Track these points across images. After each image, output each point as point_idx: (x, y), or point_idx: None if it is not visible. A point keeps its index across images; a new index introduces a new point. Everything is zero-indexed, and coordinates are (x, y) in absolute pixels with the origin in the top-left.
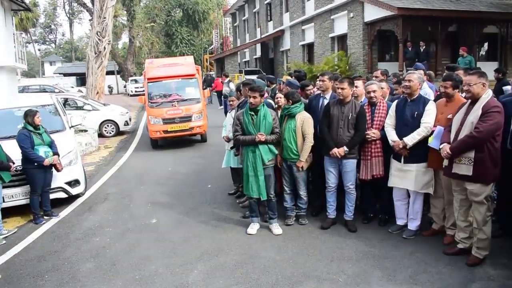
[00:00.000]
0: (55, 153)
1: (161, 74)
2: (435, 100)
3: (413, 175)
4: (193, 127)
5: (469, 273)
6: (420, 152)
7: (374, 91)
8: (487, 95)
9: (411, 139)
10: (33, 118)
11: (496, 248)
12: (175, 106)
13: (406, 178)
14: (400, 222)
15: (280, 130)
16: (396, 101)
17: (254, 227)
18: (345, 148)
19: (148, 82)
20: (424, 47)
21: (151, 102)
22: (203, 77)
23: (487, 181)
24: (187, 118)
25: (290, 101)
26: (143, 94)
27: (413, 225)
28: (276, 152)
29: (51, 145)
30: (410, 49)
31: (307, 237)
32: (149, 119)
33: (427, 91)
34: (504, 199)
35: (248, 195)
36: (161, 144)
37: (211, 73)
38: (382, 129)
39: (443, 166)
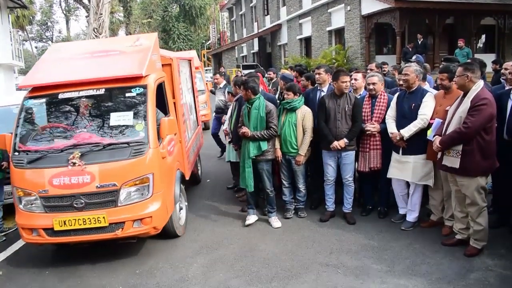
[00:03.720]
0: None
1: (59, 77)
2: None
3: (411, 166)
4: (123, 222)
5: (467, 264)
6: (417, 144)
7: (374, 84)
8: (476, 86)
9: (407, 131)
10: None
11: (494, 239)
12: (75, 162)
13: (404, 169)
14: (402, 211)
15: (276, 125)
16: (397, 93)
17: (250, 218)
18: (345, 140)
19: (27, 99)
20: (422, 39)
21: (20, 152)
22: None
23: (474, 174)
24: (105, 197)
25: (297, 94)
26: None
27: (411, 217)
28: (264, 148)
29: None
30: (410, 49)
31: (306, 230)
32: (15, 196)
33: None
34: (500, 189)
35: (240, 185)
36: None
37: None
38: (382, 122)
39: (437, 158)
